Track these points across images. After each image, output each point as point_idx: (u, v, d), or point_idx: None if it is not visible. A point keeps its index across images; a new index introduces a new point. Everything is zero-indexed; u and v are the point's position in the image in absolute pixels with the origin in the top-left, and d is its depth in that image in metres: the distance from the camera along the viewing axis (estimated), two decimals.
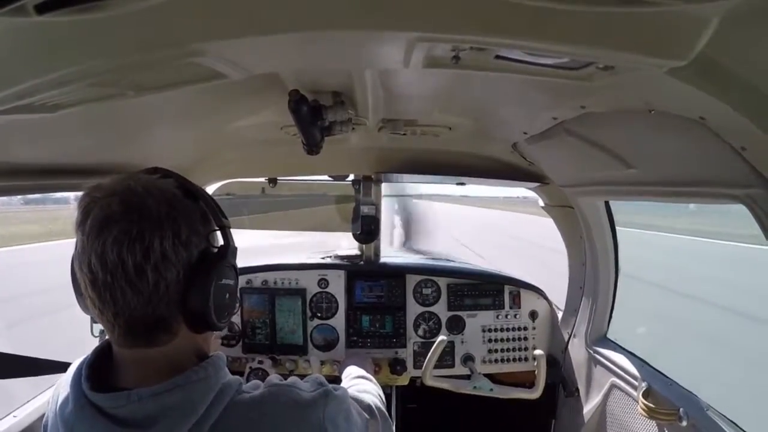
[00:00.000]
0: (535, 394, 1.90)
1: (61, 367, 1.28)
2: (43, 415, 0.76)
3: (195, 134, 1.51)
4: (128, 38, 0.64)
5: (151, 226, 0.62)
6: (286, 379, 0.78)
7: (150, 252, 0.62)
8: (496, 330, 2.13)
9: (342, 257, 2.26)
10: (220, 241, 0.75)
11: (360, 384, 1.23)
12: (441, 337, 1.92)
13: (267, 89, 1.11)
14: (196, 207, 0.71)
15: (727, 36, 0.62)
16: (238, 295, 2.02)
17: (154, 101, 0.95)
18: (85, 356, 0.71)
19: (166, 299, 0.64)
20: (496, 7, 0.60)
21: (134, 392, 0.63)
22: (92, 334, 1.56)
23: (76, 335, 1.79)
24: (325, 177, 2.18)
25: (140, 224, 0.62)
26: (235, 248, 0.76)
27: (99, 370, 0.69)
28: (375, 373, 1.91)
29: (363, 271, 2.16)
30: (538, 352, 1.91)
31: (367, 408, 0.95)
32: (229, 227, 0.76)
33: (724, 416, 1.30)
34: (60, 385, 0.73)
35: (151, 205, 0.63)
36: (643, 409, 1.45)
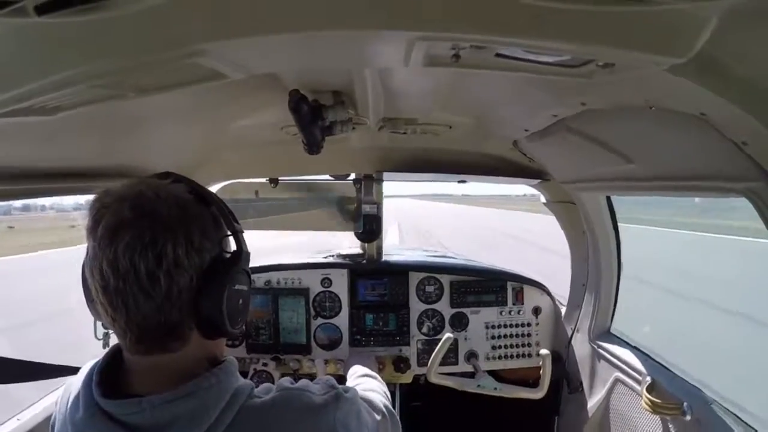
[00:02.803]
0: (539, 393, 1.90)
1: (70, 371, 1.28)
2: (49, 417, 0.76)
3: (196, 135, 1.51)
4: (128, 39, 0.64)
5: (163, 231, 0.62)
6: (292, 379, 0.78)
7: (163, 258, 0.61)
8: (499, 326, 2.13)
9: (344, 256, 2.27)
10: (233, 247, 0.75)
11: (366, 383, 1.23)
12: (447, 335, 1.92)
13: (267, 89, 1.11)
14: (209, 212, 0.71)
15: (727, 32, 0.62)
16: None
17: (155, 102, 0.95)
18: (95, 361, 0.71)
19: (178, 305, 0.64)
20: (496, 5, 0.60)
21: (146, 399, 0.63)
22: (96, 336, 1.56)
23: None
24: (326, 176, 2.18)
25: (152, 230, 0.61)
26: (248, 253, 0.76)
27: (110, 376, 0.69)
28: (379, 371, 1.91)
29: (366, 270, 2.16)
30: (543, 351, 1.90)
31: (377, 407, 0.95)
32: (242, 232, 0.76)
33: (729, 410, 1.30)
34: (69, 388, 0.73)
35: (163, 210, 0.63)
36: (647, 404, 1.45)
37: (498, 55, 0.74)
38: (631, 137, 1.16)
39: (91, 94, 0.79)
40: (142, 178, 0.69)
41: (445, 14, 0.61)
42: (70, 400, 0.70)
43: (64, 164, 1.19)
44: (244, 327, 2.06)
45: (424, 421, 2.28)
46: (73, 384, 0.73)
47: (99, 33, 0.62)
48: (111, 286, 0.61)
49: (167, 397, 0.63)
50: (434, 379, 1.94)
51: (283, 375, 2.03)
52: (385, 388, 1.20)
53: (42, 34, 0.62)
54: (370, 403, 0.94)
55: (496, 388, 1.94)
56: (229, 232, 0.74)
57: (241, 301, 0.73)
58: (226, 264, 0.70)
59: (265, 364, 2.05)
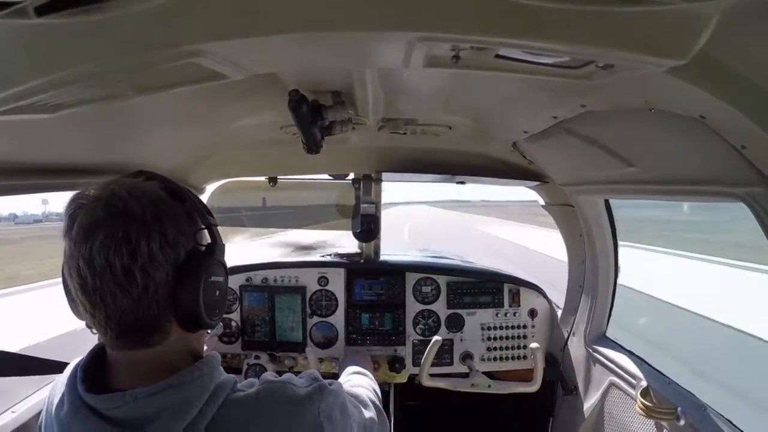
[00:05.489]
0: (533, 387, 1.90)
1: (58, 367, 1.28)
2: (40, 412, 0.77)
3: (195, 134, 1.51)
4: (128, 40, 0.64)
5: (136, 228, 0.63)
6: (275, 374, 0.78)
7: (137, 254, 0.62)
8: (495, 328, 2.13)
9: (342, 255, 2.27)
10: (208, 240, 0.76)
11: (355, 379, 1.24)
12: (435, 338, 1.92)
13: (267, 89, 1.11)
14: (182, 207, 0.72)
15: (727, 34, 0.62)
16: (238, 293, 2.05)
17: (154, 101, 0.95)
18: (80, 358, 0.72)
19: (156, 300, 0.65)
20: (496, 6, 0.60)
21: (129, 393, 0.64)
22: (92, 332, 1.56)
23: None
24: (325, 176, 2.18)
25: (125, 227, 0.62)
26: (223, 245, 0.77)
27: (94, 372, 0.69)
28: (374, 371, 1.91)
29: (363, 269, 2.16)
30: (533, 345, 1.90)
31: (364, 402, 0.96)
32: (216, 225, 0.77)
33: (722, 415, 1.31)
34: (55, 387, 0.74)
35: (135, 207, 0.64)
36: (641, 408, 1.46)
37: (498, 56, 0.74)
38: (630, 140, 1.16)
39: (91, 93, 0.79)
40: (117, 178, 0.69)
41: (445, 15, 0.61)
42: (56, 398, 0.71)
43: (63, 161, 1.19)
44: (239, 324, 2.07)
45: (420, 421, 2.28)
46: (60, 382, 0.73)
47: (99, 33, 0.63)
48: (89, 284, 0.62)
49: (151, 390, 0.64)
50: (427, 382, 1.94)
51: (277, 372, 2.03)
52: (376, 386, 1.20)
53: (42, 34, 0.63)
54: (357, 398, 0.94)
55: (489, 386, 1.94)
56: (203, 226, 0.75)
57: (218, 293, 0.74)
58: (201, 257, 0.71)
59: (257, 357, 2.05)
